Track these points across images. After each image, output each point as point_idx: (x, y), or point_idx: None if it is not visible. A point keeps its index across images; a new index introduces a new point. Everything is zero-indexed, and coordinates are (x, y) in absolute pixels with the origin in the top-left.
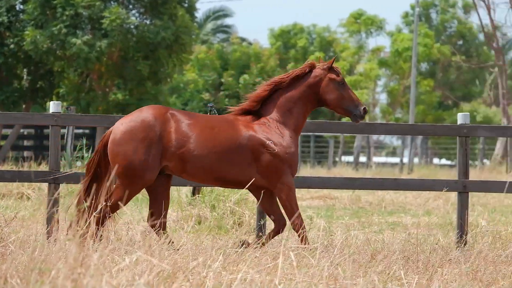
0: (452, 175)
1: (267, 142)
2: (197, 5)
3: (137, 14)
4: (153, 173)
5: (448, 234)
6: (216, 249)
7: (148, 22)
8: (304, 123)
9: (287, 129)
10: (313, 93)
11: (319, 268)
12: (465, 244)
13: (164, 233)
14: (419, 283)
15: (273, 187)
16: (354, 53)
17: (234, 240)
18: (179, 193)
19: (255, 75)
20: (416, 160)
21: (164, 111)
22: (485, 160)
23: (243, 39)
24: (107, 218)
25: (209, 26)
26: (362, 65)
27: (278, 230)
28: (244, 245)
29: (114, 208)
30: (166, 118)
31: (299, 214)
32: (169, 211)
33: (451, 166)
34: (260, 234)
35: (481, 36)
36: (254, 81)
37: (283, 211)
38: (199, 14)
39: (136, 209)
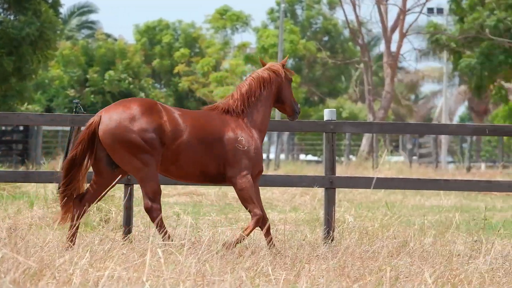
0: (319, 171)
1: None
2: (62, 1)
3: (0, 10)
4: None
5: (315, 230)
6: (82, 246)
7: (12, 17)
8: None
9: (255, 128)
10: (276, 92)
11: (187, 265)
12: (332, 240)
13: None
14: (286, 279)
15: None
16: (219, 49)
17: (101, 237)
18: (45, 190)
19: (121, 71)
20: (282, 156)
21: (154, 102)
22: (351, 156)
23: (108, 35)
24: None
25: (74, 22)
26: (228, 61)
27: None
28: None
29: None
30: (158, 109)
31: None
32: (35, 207)
33: (317, 162)
34: (127, 230)
35: (347, 32)
36: (119, 77)
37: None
38: (63, 10)
39: (1, 206)
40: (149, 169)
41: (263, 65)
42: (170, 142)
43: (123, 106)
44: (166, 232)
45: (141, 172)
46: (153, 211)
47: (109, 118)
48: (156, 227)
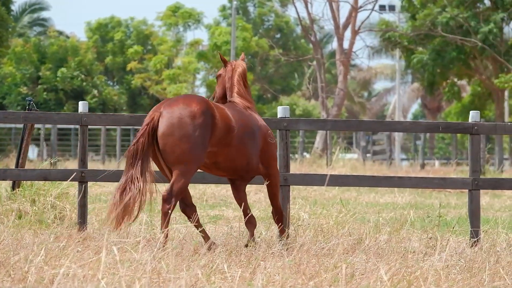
0: None
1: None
2: None
3: None
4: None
5: (271, 228)
6: (37, 244)
7: None
8: None
9: None
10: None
11: (142, 262)
12: (287, 238)
13: None
14: (242, 276)
15: (268, 176)
16: (172, 46)
17: (56, 234)
18: (0, 188)
19: (73, 68)
20: None
21: (206, 99)
22: (305, 153)
23: (60, 33)
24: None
25: (26, 19)
26: (181, 58)
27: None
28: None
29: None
30: (211, 105)
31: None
32: None
33: None
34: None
35: (299, 30)
36: (72, 75)
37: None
38: (15, 7)
39: None
40: (192, 166)
41: (224, 61)
42: (223, 136)
43: (184, 102)
44: (167, 230)
45: (185, 167)
46: (168, 203)
47: (171, 113)
48: (163, 218)
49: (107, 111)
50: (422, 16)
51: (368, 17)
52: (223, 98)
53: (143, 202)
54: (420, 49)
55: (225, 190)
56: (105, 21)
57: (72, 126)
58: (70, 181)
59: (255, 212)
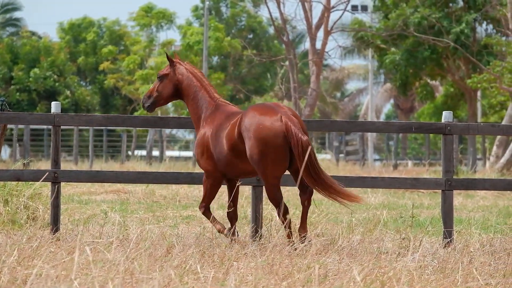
0: None
1: None
2: None
3: None
4: None
5: (243, 228)
6: (10, 244)
7: None
8: None
9: None
10: None
11: (115, 263)
12: (260, 238)
13: None
14: (215, 277)
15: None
16: (145, 46)
17: (29, 235)
18: None
19: (46, 68)
20: None
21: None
22: None
23: (33, 33)
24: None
25: None
26: (153, 58)
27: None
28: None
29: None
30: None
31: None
32: None
33: None
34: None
35: (271, 30)
36: (44, 75)
37: None
38: None
39: None
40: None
41: (171, 61)
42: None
43: (268, 109)
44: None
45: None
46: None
47: (259, 120)
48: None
49: (79, 112)
50: (395, 16)
51: (340, 17)
52: (171, 98)
53: None
54: (393, 49)
55: (198, 190)
56: (78, 21)
57: (45, 127)
58: (43, 181)
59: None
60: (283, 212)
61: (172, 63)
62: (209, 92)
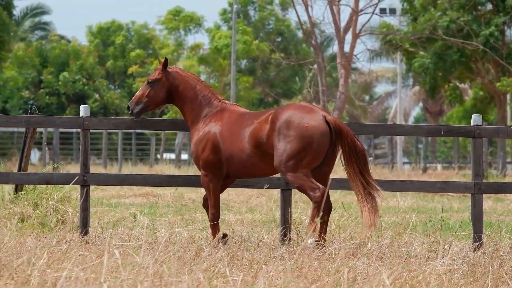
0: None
1: None
2: (14, 2)
3: None
4: None
5: (272, 231)
6: (40, 247)
7: None
8: None
9: None
10: None
11: (144, 266)
12: (289, 241)
13: None
14: (244, 280)
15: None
16: (173, 50)
17: (58, 238)
18: (2, 191)
19: (75, 72)
20: None
21: None
22: None
23: (61, 37)
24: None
25: (27, 23)
26: (182, 62)
27: None
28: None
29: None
30: None
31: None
32: None
33: None
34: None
35: (300, 33)
36: (73, 78)
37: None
38: (16, 11)
39: None
40: None
41: (165, 65)
42: None
43: (308, 108)
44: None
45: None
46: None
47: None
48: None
49: (108, 115)
50: (423, 19)
51: (368, 20)
52: (161, 103)
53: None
54: (422, 52)
55: (227, 194)
56: (106, 25)
57: (74, 130)
58: (72, 184)
59: (256, 216)
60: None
61: (165, 68)
62: (213, 92)
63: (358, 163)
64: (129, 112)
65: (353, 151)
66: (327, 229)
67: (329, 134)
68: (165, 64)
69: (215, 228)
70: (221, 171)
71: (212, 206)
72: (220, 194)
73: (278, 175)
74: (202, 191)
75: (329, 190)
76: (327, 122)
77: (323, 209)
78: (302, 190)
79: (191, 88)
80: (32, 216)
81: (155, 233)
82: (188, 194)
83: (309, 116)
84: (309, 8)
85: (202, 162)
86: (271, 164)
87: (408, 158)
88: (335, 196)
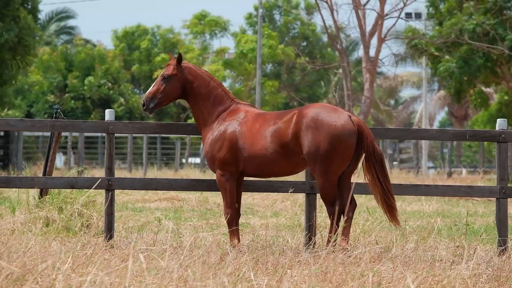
0: (300, 176)
1: None
2: (40, 6)
3: None
4: None
5: (297, 236)
6: (65, 251)
7: None
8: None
9: None
10: None
11: (169, 270)
12: (314, 245)
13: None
14: (269, 284)
15: None
16: (198, 54)
17: (83, 242)
18: (27, 195)
19: (100, 76)
20: None
21: None
22: None
23: (87, 41)
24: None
25: (53, 27)
26: (207, 66)
27: None
28: None
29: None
30: None
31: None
32: (17, 213)
33: None
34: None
35: (325, 38)
36: (99, 83)
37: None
38: (42, 16)
39: None
40: None
41: (179, 59)
42: None
43: (333, 108)
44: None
45: None
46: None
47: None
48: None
49: (133, 119)
50: (449, 23)
51: (394, 24)
52: (175, 98)
53: None
54: (447, 57)
55: (252, 198)
56: (132, 29)
57: (99, 134)
58: (97, 189)
59: (281, 220)
60: (336, 219)
61: (180, 63)
62: (226, 91)
63: (375, 167)
64: (144, 108)
65: (371, 154)
66: (352, 233)
67: (356, 134)
68: (179, 59)
69: (233, 232)
70: (238, 170)
71: (228, 205)
72: (241, 196)
73: (303, 178)
74: None
75: (354, 194)
76: (352, 121)
77: (348, 207)
78: (325, 198)
79: (205, 85)
80: (57, 220)
81: (179, 237)
82: (213, 198)
83: (336, 114)
84: (335, 12)
85: (219, 162)
86: (294, 163)
87: (433, 163)
88: (360, 200)
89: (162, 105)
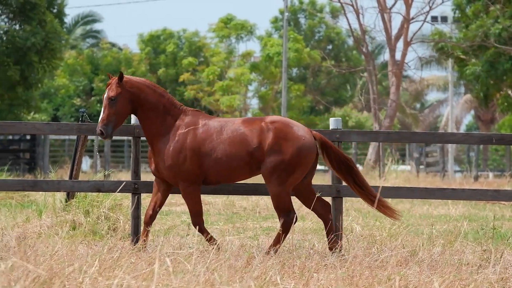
0: (326, 180)
1: None
2: (66, 10)
3: (6, 19)
4: None
5: (323, 239)
6: (91, 254)
7: (17, 27)
8: None
9: None
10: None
11: (195, 274)
12: (340, 249)
13: None
14: None
15: None
16: (224, 58)
17: (110, 245)
18: (54, 199)
19: None
20: None
21: None
22: (358, 165)
23: (113, 44)
24: None
25: (78, 31)
26: (233, 70)
27: None
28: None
29: None
30: None
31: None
32: (43, 216)
33: (324, 171)
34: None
35: (350, 41)
36: None
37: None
38: (68, 19)
39: (10, 215)
40: None
41: (121, 78)
42: None
43: (294, 122)
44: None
45: None
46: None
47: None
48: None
49: None
50: (475, 27)
51: (420, 28)
52: (126, 116)
53: None
54: (473, 60)
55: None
56: (157, 33)
57: (125, 138)
58: (123, 192)
59: (307, 223)
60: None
61: (121, 80)
62: (172, 99)
63: (351, 175)
64: (103, 136)
65: (342, 162)
66: (378, 237)
67: (315, 146)
68: (121, 77)
69: (211, 238)
70: (201, 178)
71: (197, 214)
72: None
73: (330, 183)
74: (253, 199)
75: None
76: (314, 136)
77: (326, 209)
78: (279, 206)
79: (151, 94)
80: (84, 224)
81: (206, 241)
82: (239, 202)
83: (302, 128)
84: (360, 16)
85: (185, 173)
86: (253, 170)
87: (459, 166)
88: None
89: (118, 126)
